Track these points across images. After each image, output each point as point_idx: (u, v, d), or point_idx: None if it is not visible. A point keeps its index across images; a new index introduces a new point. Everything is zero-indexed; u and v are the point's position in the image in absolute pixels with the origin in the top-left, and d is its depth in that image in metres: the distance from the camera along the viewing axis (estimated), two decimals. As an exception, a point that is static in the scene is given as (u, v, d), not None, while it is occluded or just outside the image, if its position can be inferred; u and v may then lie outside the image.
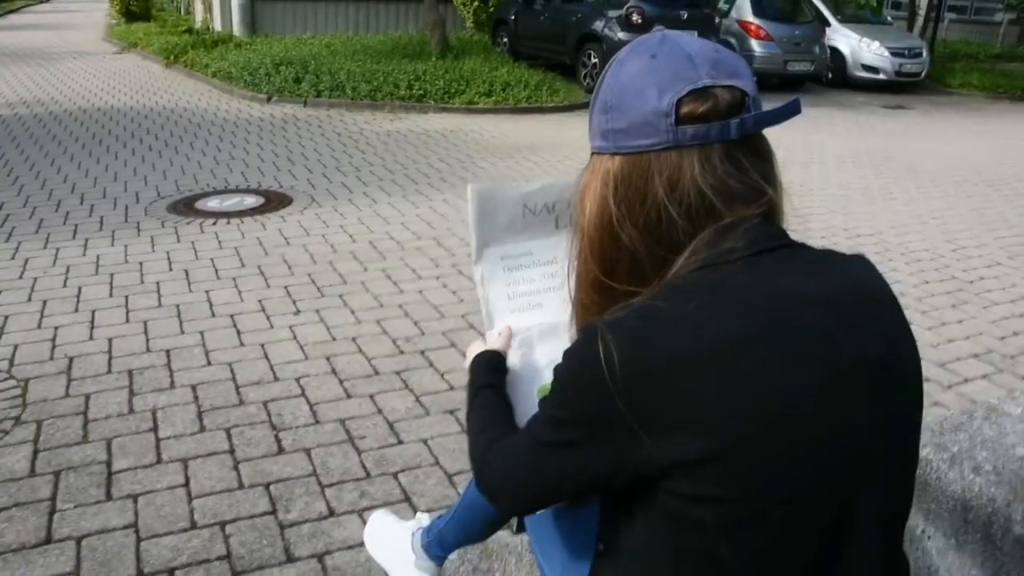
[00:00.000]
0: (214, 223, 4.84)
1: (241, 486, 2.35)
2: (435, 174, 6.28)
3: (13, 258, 4.15)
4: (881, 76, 12.65)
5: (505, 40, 12.79)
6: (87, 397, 2.81)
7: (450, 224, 4.98)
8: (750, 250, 0.85)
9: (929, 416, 1.92)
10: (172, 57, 12.02)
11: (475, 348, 1.25)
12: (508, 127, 8.46)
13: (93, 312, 3.52)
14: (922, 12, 14.60)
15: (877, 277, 0.92)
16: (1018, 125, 10.53)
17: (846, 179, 6.78)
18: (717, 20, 11.17)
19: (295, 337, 3.35)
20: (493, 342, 1.24)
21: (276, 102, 9.31)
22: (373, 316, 3.59)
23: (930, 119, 10.60)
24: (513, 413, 1.13)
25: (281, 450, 2.54)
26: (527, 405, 1.15)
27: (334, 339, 3.35)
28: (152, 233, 4.61)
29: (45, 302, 3.62)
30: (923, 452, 1.60)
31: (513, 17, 12.45)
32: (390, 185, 5.89)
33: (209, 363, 3.09)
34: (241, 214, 5.05)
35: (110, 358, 3.10)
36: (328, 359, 3.16)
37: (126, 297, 3.70)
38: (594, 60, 10.69)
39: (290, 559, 2.07)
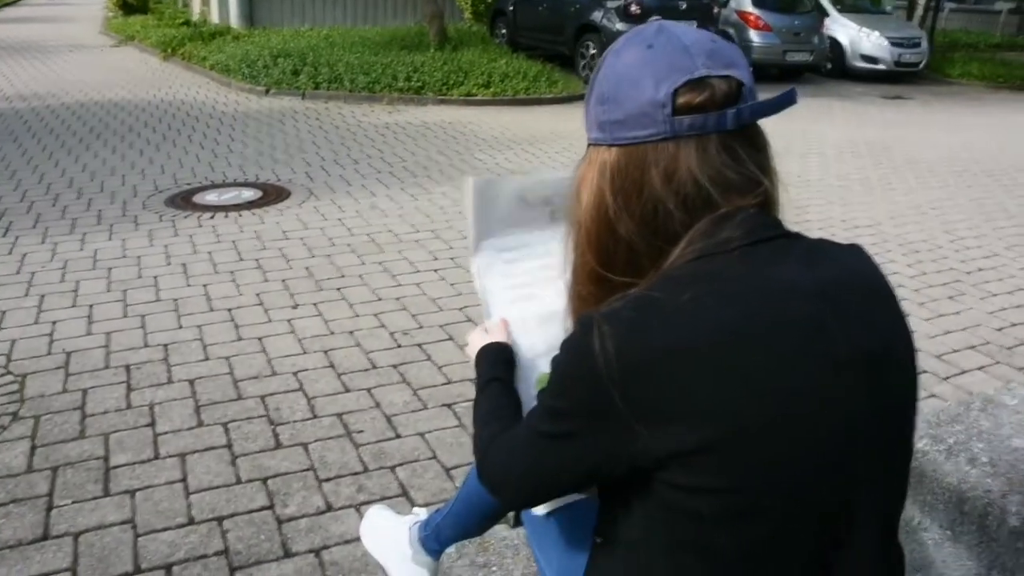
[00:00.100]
0: (212, 217, 4.83)
1: (239, 481, 2.35)
2: (433, 167, 6.26)
3: (10, 252, 4.15)
4: (880, 66, 12.60)
5: (503, 31, 12.76)
6: (84, 392, 2.81)
7: (448, 217, 4.97)
8: (746, 240, 0.84)
9: (926, 407, 1.93)
10: (170, 50, 12.00)
11: (477, 338, 1.25)
12: (507, 118, 8.44)
13: (91, 307, 3.52)
14: (921, 1, 14.53)
15: (873, 267, 0.92)
16: (1018, 115, 10.50)
17: (845, 170, 6.77)
18: (715, 10, 11.14)
19: (293, 331, 3.34)
20: (494, 331, 1.24)
21: (274, 95, 9.29)
22: (371, 310, 3.59)
23: (929, 109, 10.58)
24: (520, 407, 1.13)
25: (279, 444, 2.54)
26: (525, 396, 1.16)
27: (332, 333, 3.34)
28: (150, 227, 4.60)
29: (42, 297, 3.61)
30: (919, 443, 1.60)
31: (511, 8, 12.41)
32: (388, 178, 5.88)
33: (207, 357, 3.09)
34: (239, 208, 5.03)
35: (108, 353, 3.10)
36: (326, 353, 3.16)
37: (124, 291, 3.69)
38: (593, 51, 10.65)
39: (287, 554, 2.07)
